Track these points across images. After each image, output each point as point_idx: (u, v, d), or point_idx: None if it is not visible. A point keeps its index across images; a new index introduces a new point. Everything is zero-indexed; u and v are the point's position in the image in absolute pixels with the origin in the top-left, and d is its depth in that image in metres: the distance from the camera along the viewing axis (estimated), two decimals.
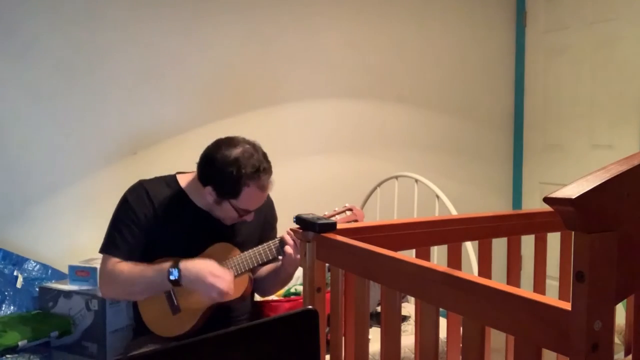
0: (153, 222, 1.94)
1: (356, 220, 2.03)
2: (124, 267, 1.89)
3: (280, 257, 2.00)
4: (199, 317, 1.91)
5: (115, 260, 1.90)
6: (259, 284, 2.12)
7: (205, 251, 1.96)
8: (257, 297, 2.36)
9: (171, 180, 2.03)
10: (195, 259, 1.88)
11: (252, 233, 2.08)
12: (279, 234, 2.08)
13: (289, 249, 1.93)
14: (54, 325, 2.10)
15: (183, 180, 2.03)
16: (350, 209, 2.06)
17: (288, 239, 1.94)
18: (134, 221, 1.93)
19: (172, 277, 1.82)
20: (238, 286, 1.94)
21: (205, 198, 1.96)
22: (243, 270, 1.94)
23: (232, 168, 1.86)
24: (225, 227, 2.01)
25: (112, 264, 1.90)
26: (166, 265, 1.84)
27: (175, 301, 1.91)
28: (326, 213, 1.99)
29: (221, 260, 1.93)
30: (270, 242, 1.98)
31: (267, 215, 2.14)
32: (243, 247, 1.99)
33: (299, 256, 1.86)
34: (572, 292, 0.89)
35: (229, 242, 1.99)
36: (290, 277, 2.08)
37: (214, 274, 1.82)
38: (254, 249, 1.97)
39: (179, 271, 1.82)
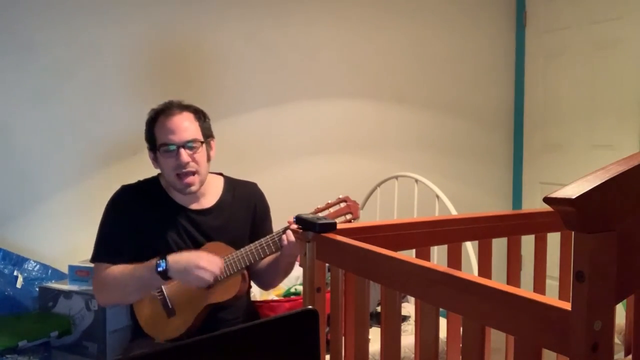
0: (139, 225, 1.94)
1: (351, 213, 2.00)
2: (115, 270, 1.89)
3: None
4: (193, 319, 1.90)
5: (106, 267, 1.91)
6: (260, 277, 2.11)
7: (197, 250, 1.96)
8: (257, 297, 2.36)
9: (153, 181, 2.04)
10: (184, 251, 1.87)
11: (242, 226, 2.05)
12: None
13: (285, 241, 1.89)
14: (54, 325, 2.10)
15: (164, 180, 2.02)
16: (344, 200, 2.02)
17: (284, 237, 1.91)
18: (120, 227, 1.94)
19: (159, 269, 1.80)
20: (232, 286, 1.93)
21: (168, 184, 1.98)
22: (237, 269, 1.91)
23: (147, 119, 2.01)
24: (211, 223, 2.00)
25: (102, 270, 1.91)
26: (154, 260, 1.83)
27: (169, 304, 1.90)
28: (319, 206, 1.97)
29: None
30: (264, 240, 1.93)
31: (256, 206, 2.10)
32: (235, 242, 1.97)
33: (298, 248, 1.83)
34: (572, 292, 0.89)
35: (220, 241, 1.97)
36: (291, 266, 2.04)
37: (200, 266, 1.80)
38: (247, 247, 1.92)
39: (166, 262, 1.81)
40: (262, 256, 1.94)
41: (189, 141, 1.92)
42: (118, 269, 1.88)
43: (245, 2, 2.96)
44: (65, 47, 2.62)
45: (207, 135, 2.00)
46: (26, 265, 2.39)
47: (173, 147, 1.91)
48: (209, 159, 2.00)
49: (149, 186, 2.02)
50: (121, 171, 2.67)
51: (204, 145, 1.97)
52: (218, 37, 2.91)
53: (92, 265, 2.19)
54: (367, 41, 3.27)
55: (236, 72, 2.96)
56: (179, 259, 1.83)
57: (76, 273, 2.21)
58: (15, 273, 2.31)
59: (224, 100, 2.93)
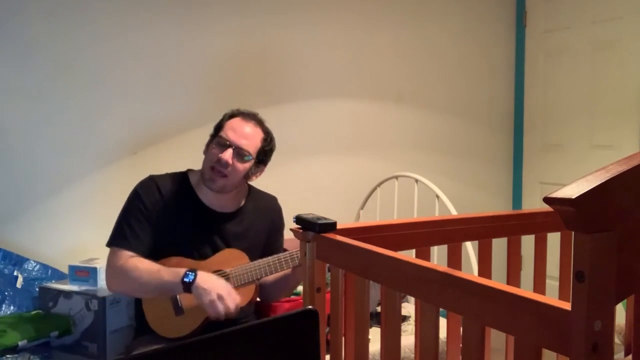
0: (162, 217, 1.94)
1: None
2: (138, 263, 1.87)
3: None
4: (201, 320, 1.91)
5: (127, 254, 1.89)
6: (264, 290, 2.11)
7: (214, 256, 1.97)
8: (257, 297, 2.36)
9: (181, 176, 2.04)
10: (213, 274, 1.87)
11: (258, 236, 2.07)
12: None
13: None
14: (54, 325, 2.10)
15: (193, 177, 2.03)
16: None
17: None
18: (143, 214, 1.93)
19: (186, 279, 1.81)
20: (245, 294, 1.95)
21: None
22: (252, 279, 1.93)
23: (228, 112, 2.05)
24: (231, 228, 2.00)
25: (123, 257, 1.89)
26: (182, 269, 1.84)
27: (179, 303, 1.91)
28: None
29: (230, 266, 1.93)
30: (282, 255, 1.95)
31: (274, 220, 2.13)
32: (249, 250, 1.99)
33: None
34: (572, 292, 0.89)
35: (238, 247, 1.99)
36: (298, 283, 2.07)
37: (221, 296, 1.80)
38: (266, 259, 1.95)
39: (195, 276, 1.81)
40: (279, 270, 1.96)
41: (241, 148, 1.94)
42: (142, 265, 1.87)
43: (245, 2, 2.96)
44: (67, 50, 2.61)
45: (261, 159, 2.02)
46: (26, 265, 2.39)
47: (226, 143, 1.94)
48: (247, 177, 2.01)
49: (177, 181, 2.02)
50: (121, 171, 2.68)
51: (251, 163, 1.98)
52: (218, 37, 2.91)
53: (92, 265, 2.20)
54: (367, 41, 3.27)
55: (236, 72, 2.96)
56: (207, 279, 1.82)
57: (76, 273, 2.21)
58: (15, 273, 2.31)
59: (222, 101, 2.92)
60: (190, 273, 1.82)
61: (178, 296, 1.90)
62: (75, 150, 2.65)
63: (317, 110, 3.17)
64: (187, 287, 1.82)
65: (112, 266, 1.91)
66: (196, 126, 2.84)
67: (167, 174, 2.03)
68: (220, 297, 1.80)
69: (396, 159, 3.35)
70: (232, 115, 2.02)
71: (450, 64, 3.52)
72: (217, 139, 1.96)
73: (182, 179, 2.03)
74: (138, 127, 2.77)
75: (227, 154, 1.92)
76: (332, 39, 3.18)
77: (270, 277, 2.07)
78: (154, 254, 1.92)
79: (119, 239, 1.92)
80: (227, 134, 1.95)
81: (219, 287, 1.82)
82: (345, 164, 3.24)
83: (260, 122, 2.03)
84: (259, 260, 1.95)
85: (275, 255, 1.96)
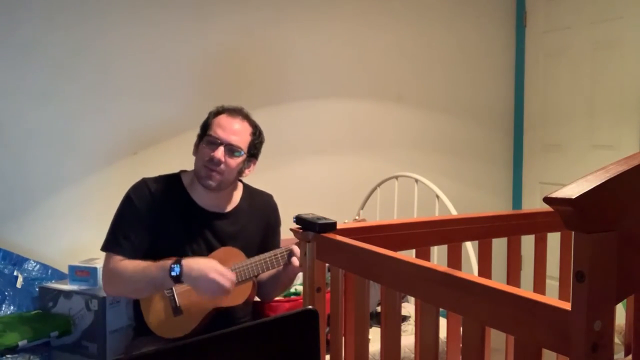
0: (155, 220, 1.94)
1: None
2: (127, 264, 1.88)
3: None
4: (200, 319, 1.91)
5: (118, 258, 1.90)
6: (260, 288, 2.12)
7: (210, 254, 1.96)
8: (257, 298, 2.36)
9: (174, 178, 2.03)
10: (198, 257, 1.87)
11: (254, 235, 2.07)
12: (281, 236, 2.07)
13: (295, 261, 1.91)
14: (54, 325, 2.10)
15: (186, 178, 2.03)
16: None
17: (296, 251, 1.92)
18: (137, 219, 1.93)
19: (173, 273, 1.80)
20: (242, 292, 1.94)
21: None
22: (249, 276, 1.93)
23: (213, 110, 2.05)
24: (226, 228, 2.00)
25: (115, 262, 1.90)
26: (168, 262, 1.83)
27: (177, 303, 1.90)
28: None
29: (227, 264, 1.93)
30: (279, 251, 1.95)
31: (270, 218, 2.13)
32: (245, 250, 1.98)
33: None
34: (572, 292, 0.89)
35: (233, 246, 1.98)
36: (291, 282, 2.08)
37: (217, 271, 1.80)
38: (262, 255, 1.94)
39: (181, 267, 1.80)
40: (276, 266, 1.95)
41: (232, 144, 1.95)
42: (131, 265, 1.87)
43: (246, 1, 2.96)
44: (66, 50, 2.61)
45: (252, 153, 2.03)
46: (26, 265, 2.39)
47: (217, 142, 1.94)
48: (241, 173, 2.02)
49: (170, 182, 2.02)
50: (121, 171, 2.67)
51: (243, 158, 1.98)
52: (217, 36, 2.91)
53: (92, 265, 2.20)
54: (367, 41, 3.27)
55: (235, 72, 2.96)
56: (193, 265, 1.82)
57: (76, 273, 2.21)
58: (15, 273, 2.31)
59: (222, 101, 2.92)
60: (175, 266, 1.80)
61: (175, 297, 1.90)
62: (75, 150, 2.65)
63: (317, 110, 3.17)
64: (177, 280, 1.81)
65: (106, 271, 1.93)
66: (196, 126, 2.80)
67: (159, 176, 2.03)
68: (212, 280, 1.78)
69: (396, 159, 3.35)
70: (217, 113, 2.02)
71: (450, 63, 3.52)
72: (206, 138, 1.96)
73: (174, 180, 2.03)
74: (138, 127, 2.77)
75: (219, 152, 1.93)
76: (332, 39, 3.18)
77: (263, 276, 2.07)
78: (149, 257, 1.92)
79: (112, 243, 1.93)
80: (216, 132, 1.95)
81: (207, 269, 1.80)
82: (345, 164, 3.24)
83: (246, 117, 2.03)
84: (257, 257, 1.94)
85: (271, 252, 1.95)
